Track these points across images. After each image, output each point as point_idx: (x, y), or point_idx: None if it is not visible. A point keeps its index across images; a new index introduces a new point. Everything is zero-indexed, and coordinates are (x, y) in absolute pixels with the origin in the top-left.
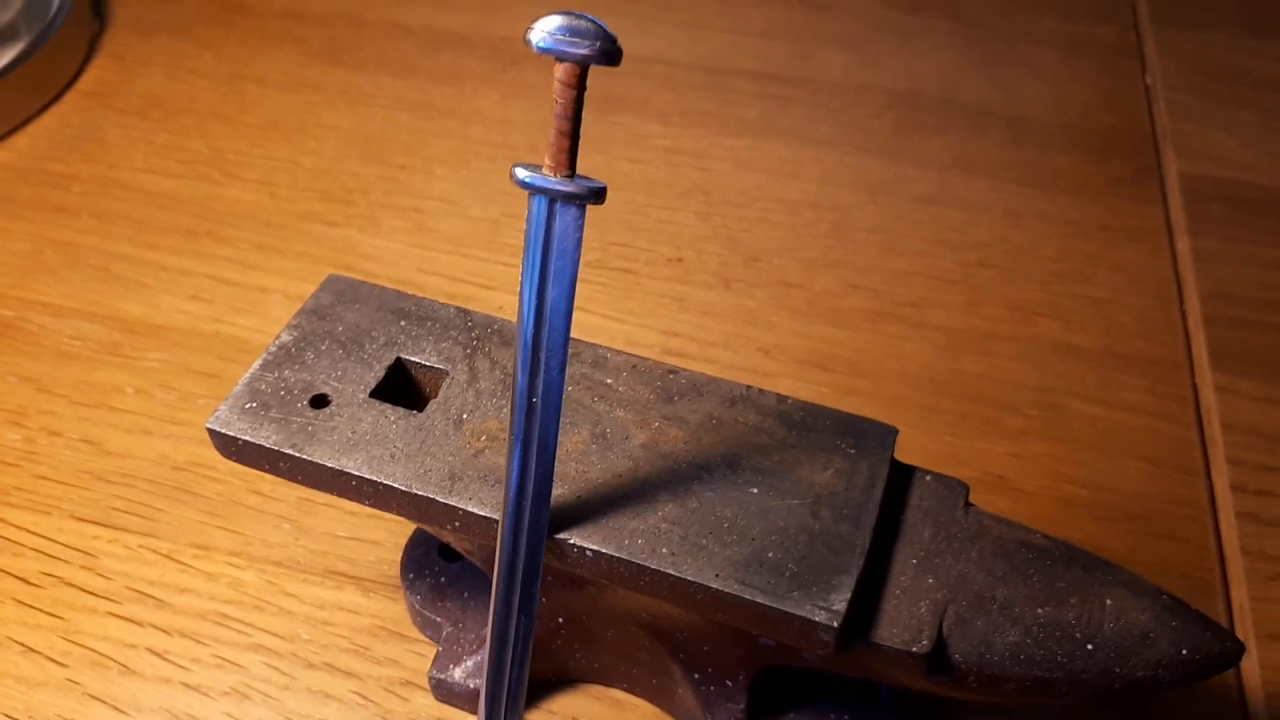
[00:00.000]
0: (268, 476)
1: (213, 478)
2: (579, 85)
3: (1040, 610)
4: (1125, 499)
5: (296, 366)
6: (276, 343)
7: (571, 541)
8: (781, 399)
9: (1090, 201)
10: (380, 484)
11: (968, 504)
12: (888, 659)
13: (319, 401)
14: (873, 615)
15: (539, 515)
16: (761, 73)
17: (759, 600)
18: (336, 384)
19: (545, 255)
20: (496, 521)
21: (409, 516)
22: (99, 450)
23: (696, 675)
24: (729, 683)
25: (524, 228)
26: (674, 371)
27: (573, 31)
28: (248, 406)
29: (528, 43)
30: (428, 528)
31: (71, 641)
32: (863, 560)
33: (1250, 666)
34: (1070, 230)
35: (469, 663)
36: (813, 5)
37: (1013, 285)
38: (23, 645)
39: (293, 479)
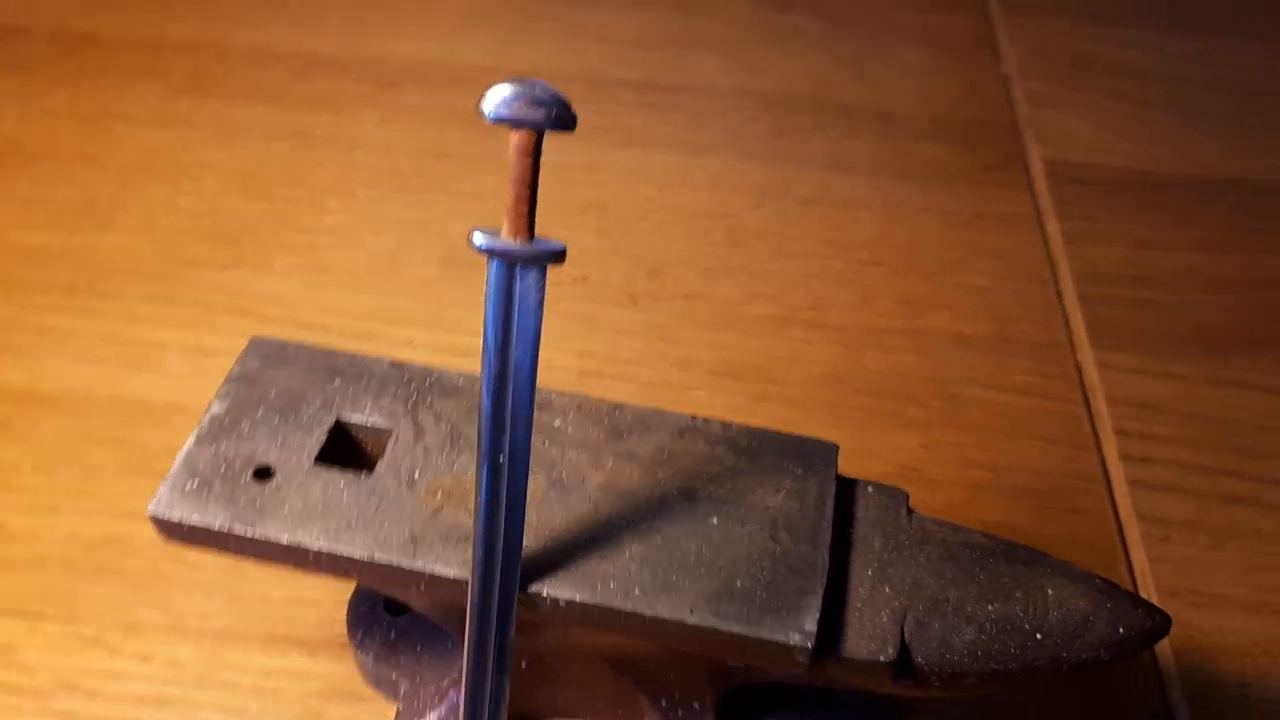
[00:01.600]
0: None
1: (132, 552)
2: (535, 152)
3: (990, 607)
4: (1028, 478)
5: (233, 438)
6: (208, 415)
7: (544, 593)
8: (726, 426)
9: (963, 191)
10: (340, 555)
11: (909, 511)
12: (856, 670)
13: (263, 474)
14: (839, 630)
15: (510, 573)
16: (640, 82)
17: (735, 630)
18: (278, 453)
19: (507, 317)
20: (464, 582)
21: (370, 584)
22: (1, 535)
23: (664, 702)
24: (696, 705)
25: (476, 283)
26: (619, 407)
27: (528, 100)
28: (188, 486)
29: (480, 113)
30: (390, 592)
31: None
32: (825, 579)
33: None
34: (948, 221)
35: (432, 716)
36: (683, 10)
37: (901, 280)
38: None
39: (244, 556)
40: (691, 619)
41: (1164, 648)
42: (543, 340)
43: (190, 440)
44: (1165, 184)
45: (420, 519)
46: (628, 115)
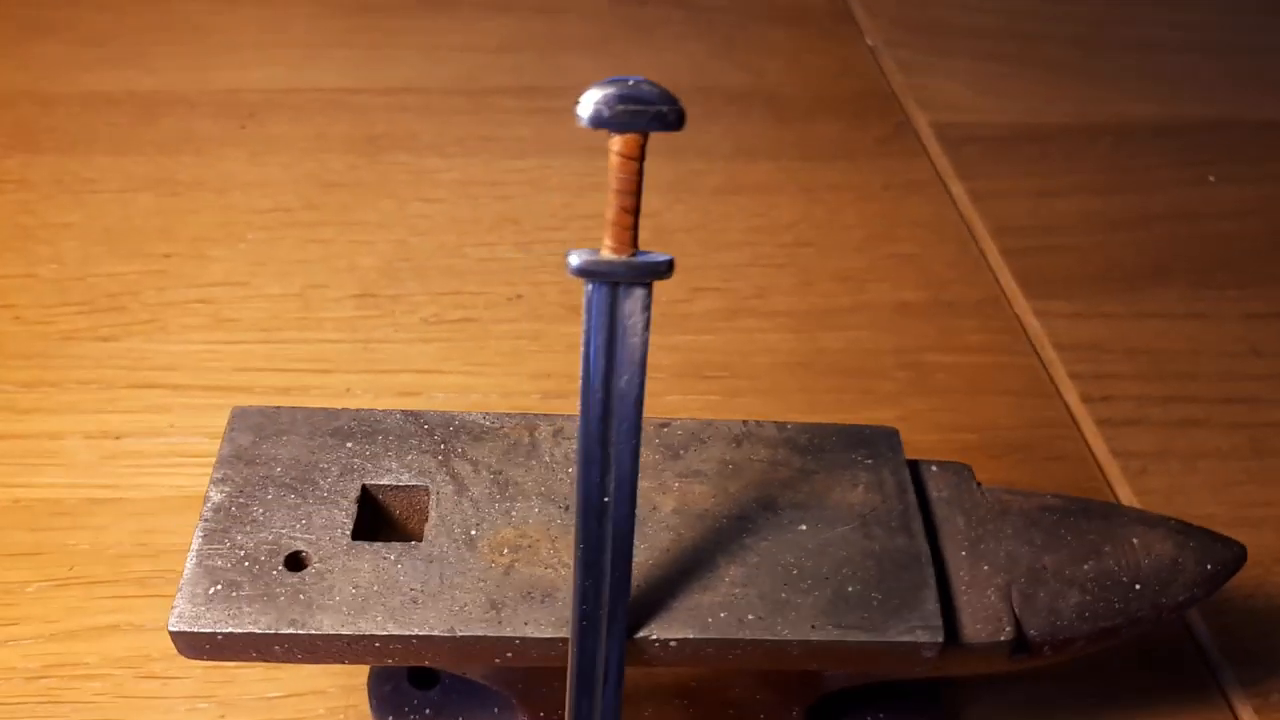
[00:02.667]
0: (156, 653)
1: (87, 675)
2: (640, 157)
3: (1085, 566)
4: (1006, 433)
5: (248, 528)
6: (209, 505)
7: (653, 638)
8: (781, 426)
9: (866, 164)
10: (413, 637)
11: (978, 484)
12: (975, 655)
13: (295, 562)
14: (953, 618)
15: (616, 622)
16: (519, 88)
17: (861, 639)
18: (307, 535)
19: (611, 342)
20: (559, 641)
21: (446, 664)
22: None
23: None
24: None
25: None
26: (665, 424)
27: (632, 99)
28: (212, 591)
29: (577, 118)
30: (464, 668)
31: None
32: (932, 568)
33: None
34: (860, 195)
35: None
36: (544, 11)
37: (833, 258)
38: None
39: (292, 659)
40: (815, 636)
41: None
42: (489, 369)
43: (197, 538)
44: (1044, 135)
45: (493, 581)
46: (516, 124)
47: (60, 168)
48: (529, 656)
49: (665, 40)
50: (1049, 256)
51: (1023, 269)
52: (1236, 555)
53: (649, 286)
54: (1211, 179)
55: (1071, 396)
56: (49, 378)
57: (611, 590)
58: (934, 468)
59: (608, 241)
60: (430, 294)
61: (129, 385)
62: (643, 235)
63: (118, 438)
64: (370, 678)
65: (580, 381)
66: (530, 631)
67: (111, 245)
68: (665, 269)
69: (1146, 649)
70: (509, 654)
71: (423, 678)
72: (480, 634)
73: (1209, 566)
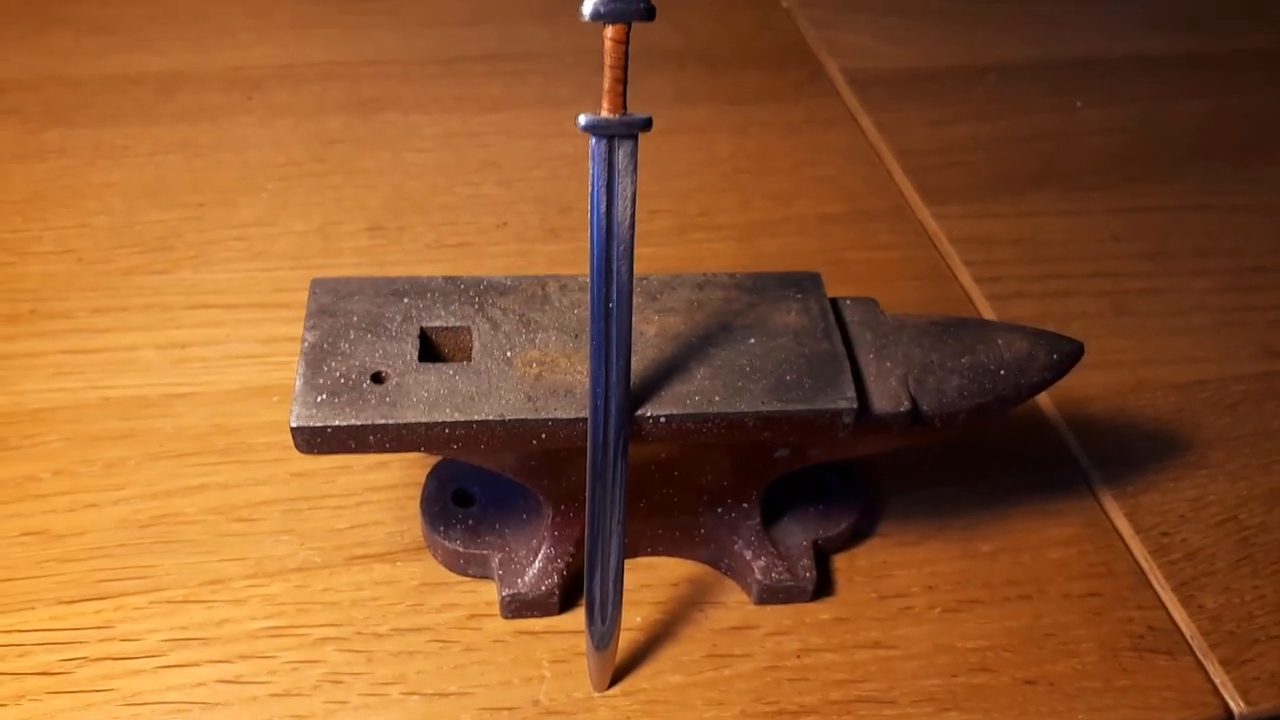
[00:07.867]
0: (242, 503)
1: (187, 522)
2: (627, 41)
3: (963, 360)
4: (913, 308)
5: (338, 358)
6: (306, 344)
7: (648, 415)
8: (732, 275)
9: (789, 105)
10: (474, 423)
11: (881, 311)
12: (882, 424)
13: (378, 378)
14: (865, 398)
15: (623, 399)
16: (486, 54)
17: (799, 408)
18: (385, 361)
19: (610, 182)
20: (581, 421)
21: (497, 445)
22: (48, 538)
23: (719, 509)
24: (745, 505)
25: (589, 170)
26: (644, 277)
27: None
28: (319, 400)
29: (581, 16)
30: (509, 449)
31: (136, 704)
32: (848, 363)
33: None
34: (785, 130)
35: (532, 571)
36: None
37: (765, 181)
38: None
39: (380, 449)
40: (765, 408)
41: (1048, 402)
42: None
43: (300, 367)
44: (938, 75)
45: (527, 385)
46: (485, 84)
47: (95, 138)
48: (557, 437)
49: None
50: (944, 172)
51: (923, 183)
52: (1076, 348)
53: (636, 138)
54: (1079, 104)
55: (965, 278)
56: (116, 305)
57: (617, 377)
58: (848, 301)
59: (605, 105)
60: (430, 225)
61: (186, 307)
62: None
63: (183, 347)
64: (422, 502)
65: (589, 215)
66: (559, 414)
67: (151, 198)
68: (646, 124)
69: (1031, 459)
70: (543, 435)
71: (463, 499)
72: (523, 418)
73: (1054, 356)
